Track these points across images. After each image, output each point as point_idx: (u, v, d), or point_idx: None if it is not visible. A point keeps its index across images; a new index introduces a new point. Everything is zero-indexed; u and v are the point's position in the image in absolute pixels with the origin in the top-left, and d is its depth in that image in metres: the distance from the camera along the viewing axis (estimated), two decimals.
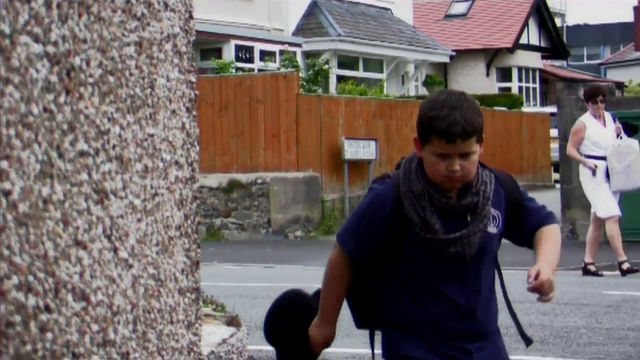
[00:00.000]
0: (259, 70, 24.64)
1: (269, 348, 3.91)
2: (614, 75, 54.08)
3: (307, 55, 28.73)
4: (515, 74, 41.52)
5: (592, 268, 12.78)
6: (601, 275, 12.69)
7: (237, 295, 10.42)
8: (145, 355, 3.21)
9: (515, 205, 3.68)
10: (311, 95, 21.05)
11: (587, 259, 12.82)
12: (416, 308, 3.57)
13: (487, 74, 40.56)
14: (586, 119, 12.78)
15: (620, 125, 12.77)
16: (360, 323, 3.76)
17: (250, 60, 26.99)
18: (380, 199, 3.58)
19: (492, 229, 3.60)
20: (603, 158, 12.55)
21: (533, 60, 42.68)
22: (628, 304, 9.76)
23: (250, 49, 27.15)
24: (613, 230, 12.53)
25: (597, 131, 12.64)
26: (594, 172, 12.51)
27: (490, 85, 39.40)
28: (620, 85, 42.48)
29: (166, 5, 3.42)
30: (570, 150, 12.81)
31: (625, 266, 12.68)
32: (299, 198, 18.91)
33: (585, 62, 67.24)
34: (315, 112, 19.51)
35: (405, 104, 23.26)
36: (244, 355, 4.69)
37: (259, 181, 18.78)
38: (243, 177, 18.94)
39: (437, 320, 3.56)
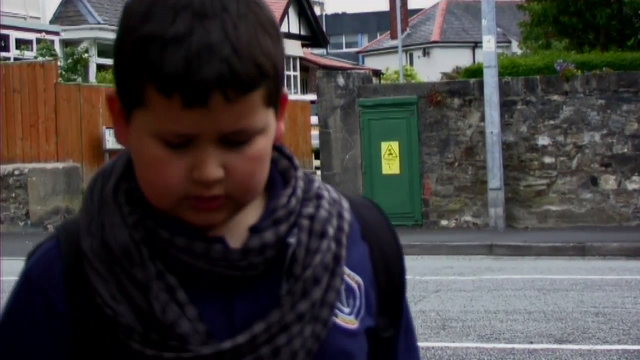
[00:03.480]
0: (15, 59, 23.98)
1: None
2: (371, 63, 55.48)
3: (65, 43, 28.15)
4: None
5: None
6: None
7: None
8: None
9: (388, 287, 1.54)
10: (70, 84, 20.68)
11: None
12: None
13: None
14: None
15: None
16: None
17: (5, 49, 26.20)
18: (34, 287, 1.45)
19: (347, 319, 1.46)
20: None
21: (294, 48, 43.26)
22: None
23: (5, 38, 26.36)
24: None
25: None
26: None
27: None
28: (377, 73, 43.68)
29: None
30: None
31: None
32: (59, 189, 18.55)
33: (344, 50, 68.68)
34: (75, 102, 19.20)
35: None
36: None
37: (17, 172, 18.32)
38: None
39: None
